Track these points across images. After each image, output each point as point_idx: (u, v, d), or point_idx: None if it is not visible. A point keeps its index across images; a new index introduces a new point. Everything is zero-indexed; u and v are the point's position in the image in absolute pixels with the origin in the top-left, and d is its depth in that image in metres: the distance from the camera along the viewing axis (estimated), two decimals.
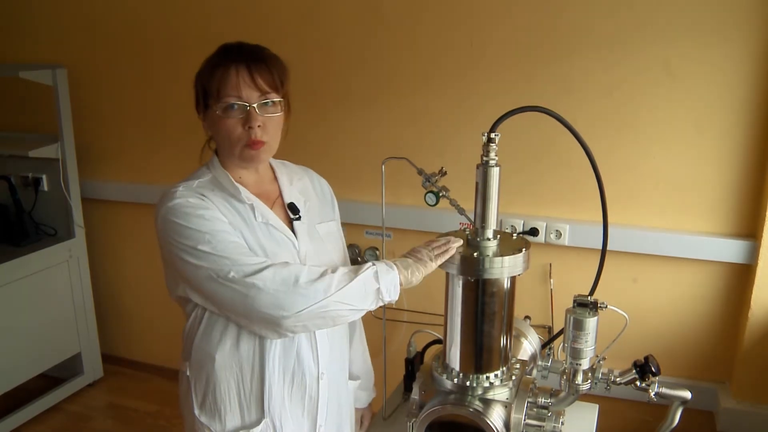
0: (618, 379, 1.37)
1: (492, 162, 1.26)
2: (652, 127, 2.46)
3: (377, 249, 2.93)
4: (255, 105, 1.44)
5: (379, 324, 2.99)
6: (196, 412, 1.57)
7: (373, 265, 1.42)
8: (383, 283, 1.41)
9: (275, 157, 1.63)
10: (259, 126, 1.45)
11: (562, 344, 1.35)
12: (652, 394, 1.33)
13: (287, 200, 1.60)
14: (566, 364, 1.34)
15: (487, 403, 1.29)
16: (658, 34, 2.37)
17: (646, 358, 1.33)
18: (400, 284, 1.43)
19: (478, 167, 1.26)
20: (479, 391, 1.31)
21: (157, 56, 3.23)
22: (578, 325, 1.28)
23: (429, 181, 1.41)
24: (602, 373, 1.37)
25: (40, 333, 3.34)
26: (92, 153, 3.51)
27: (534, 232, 2.60)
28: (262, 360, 1.51)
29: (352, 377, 1.83)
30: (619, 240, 2.48)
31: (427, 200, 1.45)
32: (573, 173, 2.56)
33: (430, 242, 1.40)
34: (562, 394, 1.35)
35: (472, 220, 1.32)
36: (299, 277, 1.36)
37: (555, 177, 2.61)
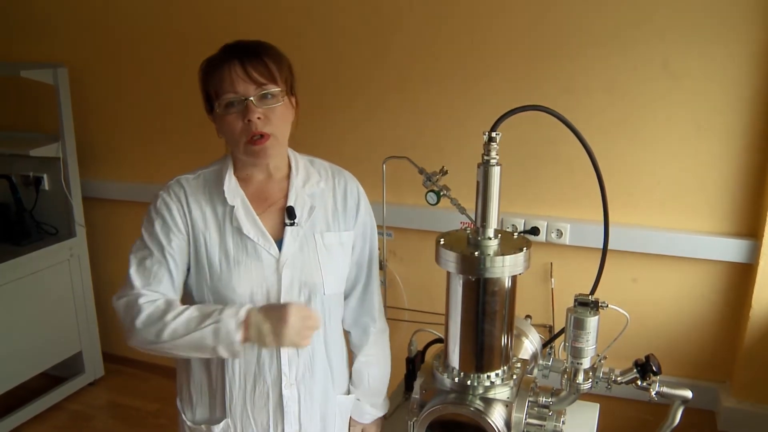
0: (619, 378, 1.37)
1: (493, 161, 1.25)
2: (653, 126, 2.46)
3: (379, 248, 2.92)
4: (252, 98, 1.43)
5: None
6: (178, 398, 1.67)
7: (218, 323, 1.38)
8: (221, 343, 1.38)
9: (304, 151, 1.64)
10: (259, 118, 1.43)
11: (563, 343, 1.35)
12: (653, 393, 1.33)
13: (289, 203, 1.55)
14: (567, 363, 1.34)
15: (488, 402, 1.29)
16: (658, 32, 2.37)
17: (647, 358, 1.33)
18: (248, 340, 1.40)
19: (479, 166, 1.26)
20: (480, 391, 1.31)
21: (158, 55, 3.23)
22: (579, 325, 1.28)
23: (430, 180, 1.41)
24: (603, 373, 1.37)
25: (41, 332, 3.34)
26: (93, 152, 3.51)
27: (535, 231, 2.60)
28: (221, 363, 1.54)
29: (350, 389, 1.76)
30: (620, 239, 2.48)
31: (428, 199, 1.45)
32: (574, 172, 2.57)
33: (306, 318, 1.38)
34: (563, 394, 1.35)
35: (473, 219, 1.32)
36: (138, 317, 1.42)
37: (556, 176, 2.61)
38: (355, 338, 1.78)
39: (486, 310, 1.29)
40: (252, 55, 1.45)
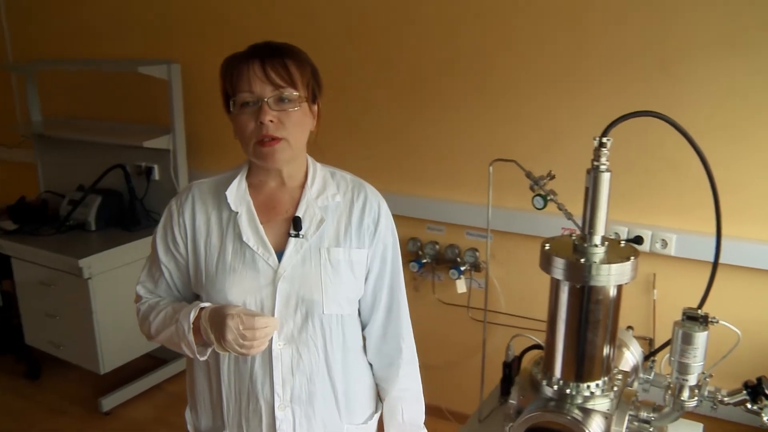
0: (726, 398, 1.31)
1: (603, 167, 1.23)
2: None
3: (477, 250, 2.92)
4: (268, 99, 1.38)
5: (474, 325, 3.00)
6: (189, 399, 1.66)
7: (177, 323, 1.45)
8: (182, 341, 1.45)
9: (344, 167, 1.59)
10: (271, 121, 1.38)
11: (667, 357, 1.31)
12: (765, 418, 1.27)
13: (298, 213, 1.48)
14: (671, 378, 1.30)
15: (586, 412, 1.27)
16: None
17: (759, 380, 1.27)
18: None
19: (588, 172, 1.24)
20: (579, 400, 1.29)
21: None
22: (687, 339, 1.23)
23: (537, 185, 1.39)
24: (709, 391, 1.32)
25: None
26: (201, 144, 3.65)
27: (638, 240, 2.49)
28: (218, 373, 1.52)
29: (370, 420, 1.66)
30: (730, 252, 2.34)
31: (534, 203, 1.43)
32: (681, 181, 2.47)
33: (250, 323, 1.35)
34: (666, 410, 1.31)
35: (579, 225, 1.30)
36: (137, 316, 1.59)
37: (662, 184, 2.52)
38: (379, 371, 1.64)
39: (589, 319, 1.26)
40: (274, 56, 1.40)
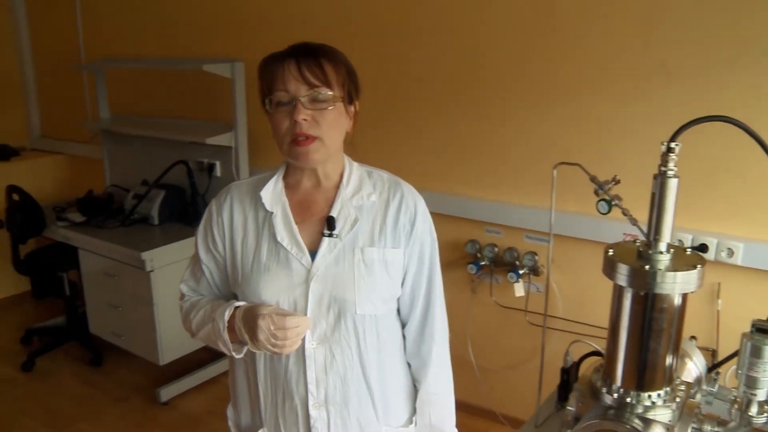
0: None
1: (670, 173, 1.20)
2: None
3: (536, 254, 2.88)
4: (302, 98, 1.38)
5: (531, 329, 2.96)
6: (231, 397, 1.67)
7: (213, 321, 1.47)
8: (219, 340, 1.48)
9: (380, 165, 1.58)
10: (305, 120, 1.38)
11: (733, 370, 1.27)
12: None
13: (332, 213, 1.47)
14: (738, 392, 1.25)
15: (647, 422, 1.24)
16: None
17: None
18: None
19: (655, 177, 1.21)
20: (639, 410, 1.26)
21: None
22: (756, 352, 1.19)
23: (602, 189, 1.36)
24: None
25: None
26: (262, 142, 3.70)
27: (703, 248, 2.43)
28: (255, 371, 1.52)
29: (410, 422, 1.63)
30: None
31: (599, 208, 1.41)
32: (750, 188, 2.39)
33: (281, 323, 1.35)
34: (732, 425, 1.27)
35: (644, 231, 1.27)
36: (180, 314, 1.61)
37: (729, 191, 2.45)
38: (415, 371, 1.62)
39: (652, 327, 1.23)
40: (309, 56, 1.40)
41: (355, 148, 1.55)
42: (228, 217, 1.53)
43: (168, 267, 3.32)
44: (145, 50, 4.17)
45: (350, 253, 1.46)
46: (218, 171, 3.72)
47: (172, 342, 3.41)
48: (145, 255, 3.23)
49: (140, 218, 3.70)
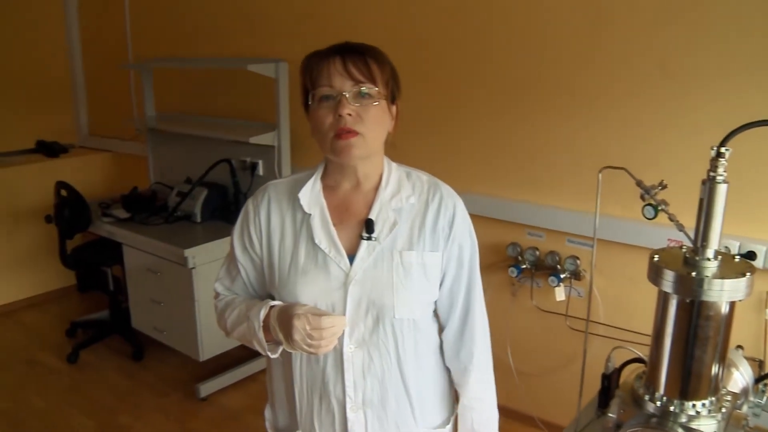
0: None
1: (720, 178, 1.18)
2: None
3: (578, 258, 2.85)
4: (347, 93, 1.36)
5: (571, 334, 2.93)
6: (268, 397, 1.66)
7: (248, 320, 1.46)
8: (254, 339, 1.46)
9: (416, 164, 1.56)
10: (350, 114, 1.36)
11: None
12: None
13: (371, 215, 1.45)
14: None
15: None
16: None
17: None
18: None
19: (703, 183, 1.19)
20: (683, 419, 1.24)
21: None
22: None
23: (648, 194, 1.34)
24: None
25: None
26: (305, 141, 3.71)
27: (751, 255, 2.40)
28: (290, 370, 1.51)
29: (447, 424, 1.63)
30: None
31: (645, 213, 1.38)
32: None
33: (317, 323, 1.34)
34: None
35: (691, 237, 1.25)
36: (215, 313, 1.60)
37: None
38: (455, 375, 1.61)
39: (698, 335, 1.21)
40: (355, 53, 1.40)
41: (396, 149, 1.54)
42: (265, 217, 1.52)
43: (210, 264, 3.36)
44: (191, 50, 4.24)
45: (389, 256, 1.44)
46: (261, 170, 3.76)
47: (213, 338, 3.45)
48: (188, 252, 3.28)
49: (183, 216, 3.75)
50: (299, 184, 1.51)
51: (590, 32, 2.69)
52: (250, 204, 1.56)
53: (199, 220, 3.71)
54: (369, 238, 1.43)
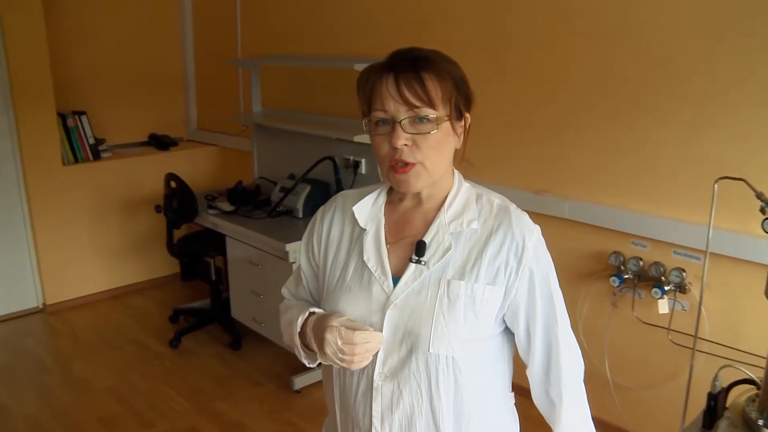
0: None
1: None
2: None
3: (684, 270, 2.74)
4: (402, 121, 1.26)
5: (674, 349, 2.82)
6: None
7: (290, 325, 1.43)
8: (293, 345, 1.44)
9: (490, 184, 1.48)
10: (406, 145, 1.27)
11: None
12: None
13: (426, 237, 1.35)
14: None
15: None
16: None
17: None
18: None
19: None
20: None
21: (484, 54, 3.34)
22: None
23: None
24: None
25: None
26: None
27: None
28: (331, 387, 1.47)
29: None
30: None
31: (765, 227, 1.31)
32: None
33: (349, 338, 1.27)
34: None
35: None
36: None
37: None
38: (543, 411, 1.46)
39: None
40: (410, 70, 1.28)
41: (470, 165, 1.44)
42: (327, 228, 1.48)
43: None
44: (298, 47, 4.33)
45: (435, 284, 1.32)
46: (363, 168, 3.80)
47: None
48: (289, 247, 3.34)
49: (286, 211, 3.83)
50: (360, 197, 1.46)
51: (709, 32, 2.57)
52: (318, 213, 1.53)
53: (301, 215, 3.78)
54: (418, 261, 1.33)
